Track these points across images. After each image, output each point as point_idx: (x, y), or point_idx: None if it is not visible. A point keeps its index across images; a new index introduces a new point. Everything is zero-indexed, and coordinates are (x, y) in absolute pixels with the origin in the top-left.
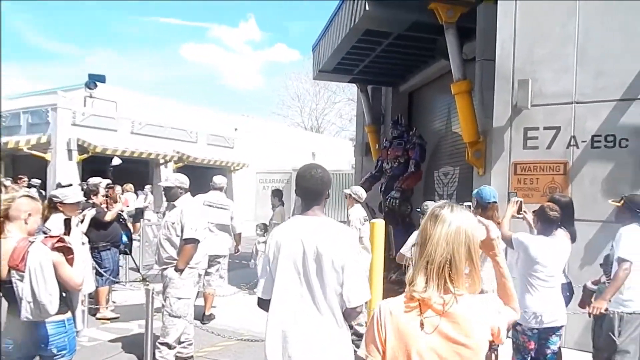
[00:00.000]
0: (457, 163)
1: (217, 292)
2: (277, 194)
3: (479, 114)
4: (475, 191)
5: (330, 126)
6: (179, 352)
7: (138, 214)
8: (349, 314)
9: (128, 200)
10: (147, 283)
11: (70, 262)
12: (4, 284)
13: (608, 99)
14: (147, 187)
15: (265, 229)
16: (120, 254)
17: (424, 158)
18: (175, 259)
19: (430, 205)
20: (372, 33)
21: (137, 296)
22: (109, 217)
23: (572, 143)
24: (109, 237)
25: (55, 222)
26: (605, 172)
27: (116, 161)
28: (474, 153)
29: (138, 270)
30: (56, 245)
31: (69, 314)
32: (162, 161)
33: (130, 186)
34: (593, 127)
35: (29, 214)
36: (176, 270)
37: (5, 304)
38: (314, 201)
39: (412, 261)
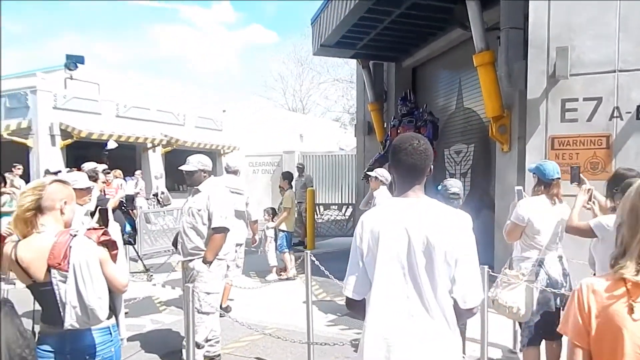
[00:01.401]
0: (471, 140)
1: (233, 283)
2: (287, 176)
3: (503, 86)
4: (533, 166)
5: (315, 107)
6: (206, 351)
7: (129, 201)
8: (462, 315)
9: (119, 185)
10: (151, 274)
11: (114, 258)
12: (40, 286)
13: None
14: (137, 172)
15: (274, 213)
16: (124, 244)
17: (437, 136)
18: (202, 250)
19: (453, 183)
20: (382, 2)
21: (141, 288)
22: (111, 204)
23: (615, 114)
24: None
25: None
26: None
27: (112, 145)
28: (498, 128)
29: (139, 260)
30: (101, 239)
31: (113, 320)
32: (149, 145)
33: (119, 172)
34: (639, 97)
35: (65, 202)
36: (204, 262)
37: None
38: (415, 179)
39: (616, 242)
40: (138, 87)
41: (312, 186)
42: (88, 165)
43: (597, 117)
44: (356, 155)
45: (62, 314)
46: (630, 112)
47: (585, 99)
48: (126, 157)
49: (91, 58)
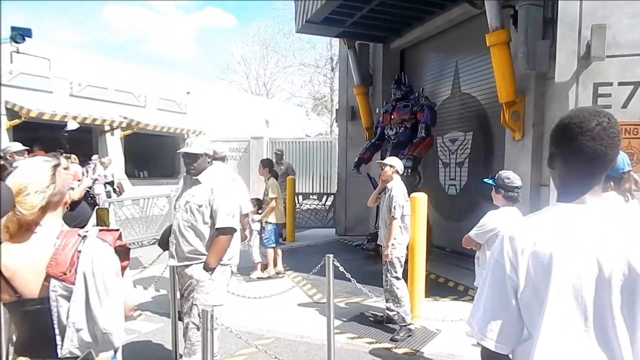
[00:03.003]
0: (469, 127)
1: None
2: (268, 164)
3: (520, 68)
4: None
5: (280, 92)
6: None
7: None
8: None
9: (77, 172)
10: None
11: (123, 270)
12: (28, 304)
13: None
14: (95, 157)
15: (259, 204)
16: None
17: (435, 121)
18: (203, 254)
19: (511, 175)
20: None
21: None
22: (77, 194)
23: None
24: (77, 219)
25: None
26: None
27: (72, 125)
28: (511, 115)
29: None
30: (117, 243)
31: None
32: (107, 128)
33: (74, 157)
34: None
35: (71, 188)
36: (205, 269)
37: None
38: (598, 176)
39: None
40: (94, 65)
41: (294, 174)
42: (16, 147)
43: (634, 104)
44: (338, 141)
45: (56, 339)
46: None
47: (620, 84)
48: (82, 140)
49: (40, 36)
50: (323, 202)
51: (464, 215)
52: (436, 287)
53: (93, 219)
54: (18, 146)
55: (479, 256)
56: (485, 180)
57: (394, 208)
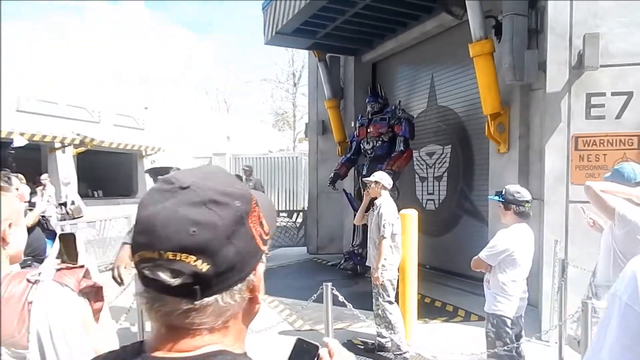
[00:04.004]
0: (447, 141)
1: None
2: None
3: (506, 79)
4: (608, 173)
5: (242, 108)
6: None
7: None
8: None
9: (24, 194)
10: None
11: (96, 314)
12: None
13: None
14: (44, 176)
15: None
16: None
17: (413, 134)
18: None
19: (520, 189)
20: None
21: None
22: (30, 220)
23: None
24: (28, 249)
25: None
26: None
27: (20, 141)
28: (496, 127)
29: None
30: (83, 284)
31: None
32: (58, 145)
33: (20, 176)
34: None
35: (10, 224)
36: None
37: None
38: None
39: None
40: (42, 78)
41: (263, 190)
42: None
43: (627, 114)
44: (308, 157)
45: None
46: None
47: (613, 94)
48: (30, 159)
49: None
50: (293, 219)
51: (443, 231)
52: (424, 308)
53: (54, 250)
54: None
55: (488, 279)
56: (491, 197)
57: (384, 226)
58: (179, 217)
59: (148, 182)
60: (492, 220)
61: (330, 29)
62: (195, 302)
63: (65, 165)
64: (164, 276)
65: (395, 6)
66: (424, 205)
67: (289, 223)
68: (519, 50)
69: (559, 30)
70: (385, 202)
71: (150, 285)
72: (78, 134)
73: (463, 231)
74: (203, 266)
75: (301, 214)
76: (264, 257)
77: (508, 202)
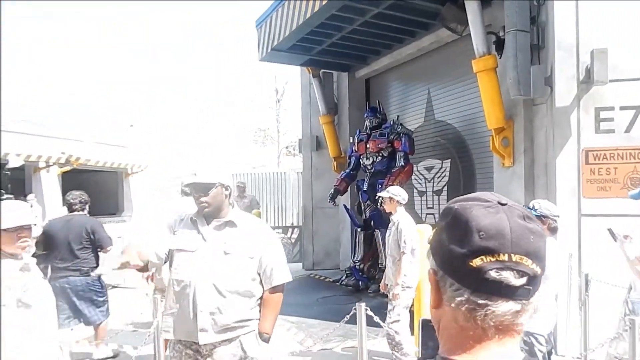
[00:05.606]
0: (446, 155)
1: None
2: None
3: (510, 94)
4: (636, 191)
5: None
6: None
7: None
8: None
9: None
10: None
11: None
12: None
13: None
14: (31, 196)
15: None
16: None
17: (413, 149)
18: (252, 319)
19: (548, 205)
20: (349, 8)
21: None
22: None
23: None
24: None
25: None
26: None
27: (15, 161)
28: (501, 141)
29: None
30: None
31: None
32: (42, 164)
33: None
34: None
35: None
36: (264, 339)
37: None
38: None
39: None
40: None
41: (259, 207)
42: None
43: (637, 128)
44: (302, 173)
45: None
46: None
47: (622, 108)
48: (13, 179)
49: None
50: (288, 235)
51: None
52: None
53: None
54: None
55: None
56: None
57: (404, 242)
58: (521, 226)
59: (134, 201)
60: None
61: (326, 45)
62: (526, 302)
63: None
64: (511, 276)
65: (393, 22)
66: (423, 219)
67: (283, 239)
68: (523, 65)
69: (566, 46)
70: (403, 218)
71: (486, 288)
72: (63, 153)
73: None
74: (537, 269)
75: (296, 229)
76: None
77: (545, 217)
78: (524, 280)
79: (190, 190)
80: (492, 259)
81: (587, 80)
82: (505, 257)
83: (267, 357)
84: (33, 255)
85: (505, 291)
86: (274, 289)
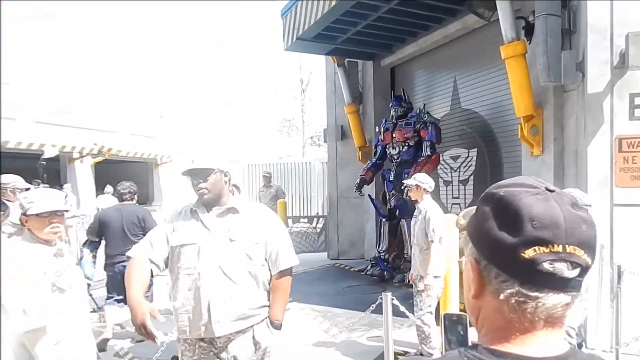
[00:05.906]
0: (472, 144)
1: None
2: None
3: (540, 80)
4: None
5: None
6: None
7: None
8: None
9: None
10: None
11: None
12: None
13: None
14: (66, 186)
15: None
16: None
17: (440, 138)
18: (264, 306)
19: (579, 194)
20: None
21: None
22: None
23: None
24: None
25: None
26: None
27: (50, 152)
28: (530, 129)
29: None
30: None
31: None
32: (76, 155)
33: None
34: None
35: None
36: (275, 327)
37: None
38: None
39: None
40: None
41: (284, 197)
42: (9, 178)
43: None
44: (327, 162)
45: None
46: None
47: None
48: (48, 170)
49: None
50: (313, 225)
51: None
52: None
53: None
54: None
55: None
56: None
57: (433, 231)
58: (573, 215)
59: (164, 190)
60: None
61: (351, 34)
62: (576, 294)
63: (84, 175)
64: (564, 268)
65: (418, 9)
66: (449, 209)
67: (309, 229)
68: (553, 50)
69: (599, 29)
70: (430, 206)
71: (538, 280)
72: (95, 144)
73: None
74: (589, 260)
75: (321, 219)
76: None
77: None
78: (576, 271)
79: (188, 176)
80: (546, 250)
81: (621, 65)
82: (560, 248)
83: (278, 344)
84: (84, 243)
85: (557, 283)
86: (281, 273)
